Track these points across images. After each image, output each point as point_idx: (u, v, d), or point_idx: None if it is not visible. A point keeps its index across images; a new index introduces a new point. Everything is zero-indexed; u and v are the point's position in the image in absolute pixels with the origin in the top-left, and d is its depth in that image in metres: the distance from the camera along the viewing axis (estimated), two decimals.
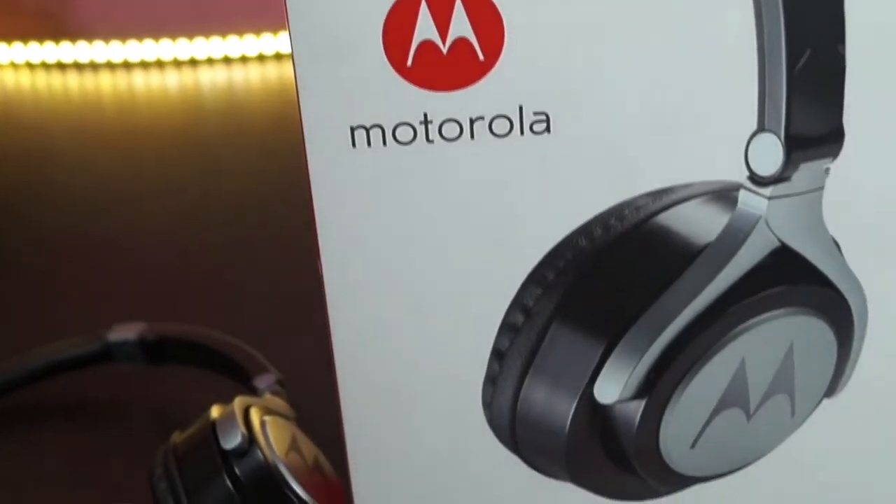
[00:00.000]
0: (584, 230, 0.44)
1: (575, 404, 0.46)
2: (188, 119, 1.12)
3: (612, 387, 0.45)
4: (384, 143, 0.42)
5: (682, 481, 0.49)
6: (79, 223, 0.91)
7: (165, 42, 1.26)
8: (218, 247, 0.86)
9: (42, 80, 1.24)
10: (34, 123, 1.15)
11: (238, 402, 0.52)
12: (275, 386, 0.60)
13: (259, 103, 1.17)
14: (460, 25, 0.41)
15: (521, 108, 0.42)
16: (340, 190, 0.43)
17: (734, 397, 0.47)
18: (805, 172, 0.44)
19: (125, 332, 0.67)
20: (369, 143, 0.42)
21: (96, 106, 1.17)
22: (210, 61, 1.25)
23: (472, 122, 0.42)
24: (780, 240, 0.45)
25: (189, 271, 0.83)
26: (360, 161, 0.43)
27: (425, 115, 0.42)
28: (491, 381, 0.47)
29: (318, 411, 0.52)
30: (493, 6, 0.41)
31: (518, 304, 0.45)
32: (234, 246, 0.86)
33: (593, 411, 0.46)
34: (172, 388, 0.68)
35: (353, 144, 0.42)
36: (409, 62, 0.41)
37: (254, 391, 0.60)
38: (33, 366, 0.67)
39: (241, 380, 0.62)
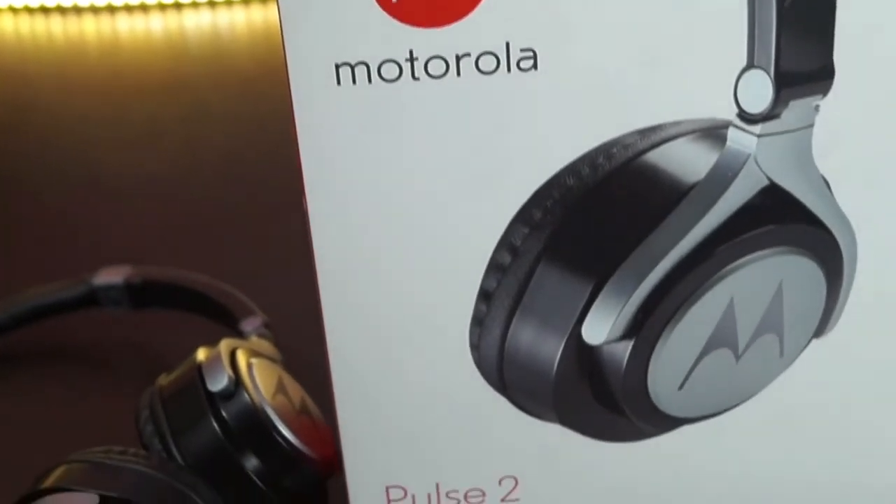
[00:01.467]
0: (572, 169, 0.44)
1: (563, 345, 0.46)
2: (173, 63, 1.11)
3: (600, 327, 0.45)
4: (369, 80, 0.42)
5: (670, 422, 0.49)
6: (63, 167, 0.91)
7: None
8: (204, 190, 0.85)
9: (25, 24, 1.23)
10: (18, 69, 1.15)
11: (224, 345, 0.51)
12: (261, 329, 0.60)
13: (244, 47, 1.16)
14: None
15: (507, 45, 0.42)
16: (325, 128, 0.43)
17: (723, 338, 0.47)
18: (795, 110, 0.43)
19: (111, 276, 0.66)
20: (354, 81, 0.42)
21: (80, 50, 1.16)
22: (195, 4, 1.24)
23: (458, 59, 0.42)
24: (769, 178, 0.45)
25: (175, 215, 0.82)
26: (345, 99, 0.42)
27: (411, 52, 0.42)
28: (478, 322, 0.47)
29: (305, 354, 0.52)
30: None
31: (505, 243, 0.45)
32: (220, 189, 0.85)
33: (581, 352, 0.46)
34: (159, 332, 0.68)
35: (338, 82, 0.42)
36: None
37: (240, 334, 0.60)
38: (19, 310, 0.67)
39: (227, 323, 0.62)
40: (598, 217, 0.45)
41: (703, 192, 0.44)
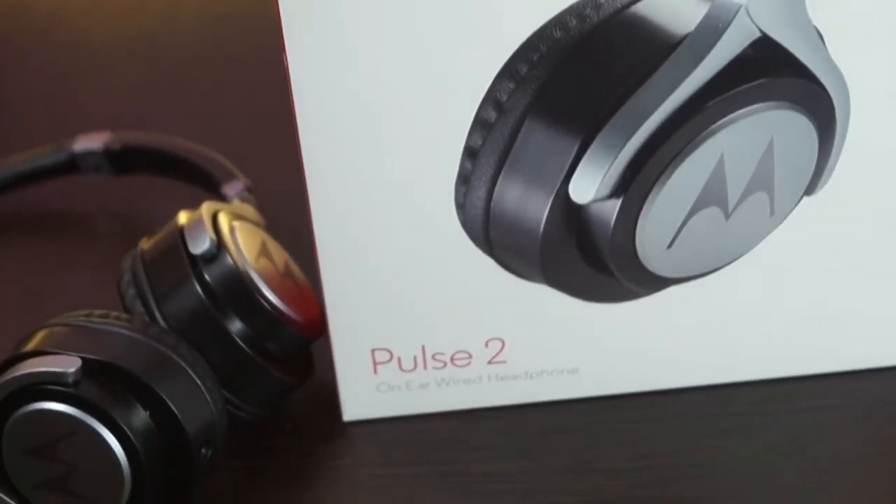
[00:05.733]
0: (559, 21, 0.43)
1: (549, 204, 0.45)
2: None
3: (587, 185, 0.45)
4: None
5: (658, 282, 0.49)
6: (41, 35, 0.89)
7: None
8: (185, 56, 0.84)
9: None
10: None
11: (206, 208, 0.50)
12: (244, 193, 0.59)
13: None
14: None
15: None
16: None
17: (712, 196, 0.46)
18: None
19: (91, 142, 0.65)
20: None
21: None
22: None
23: None
24: (760, 30, 0.44)
25: (156, 82, 0.81)
26: None
27: None
28: (463, 180, 0.46)
29: (288, 220, 0.52)
30: None
31: (490, 99, 0.44)
32: (202, 56, 0.84)
33: (568, 211, 0.46)
34: (140, 199, 0.67)
35: None
36: None
37: (223, 199, 0.59)
38: None
39: (209, 188, 0.61)
40: (586, 71, 0.44)
41: (693, 44, 0.43)
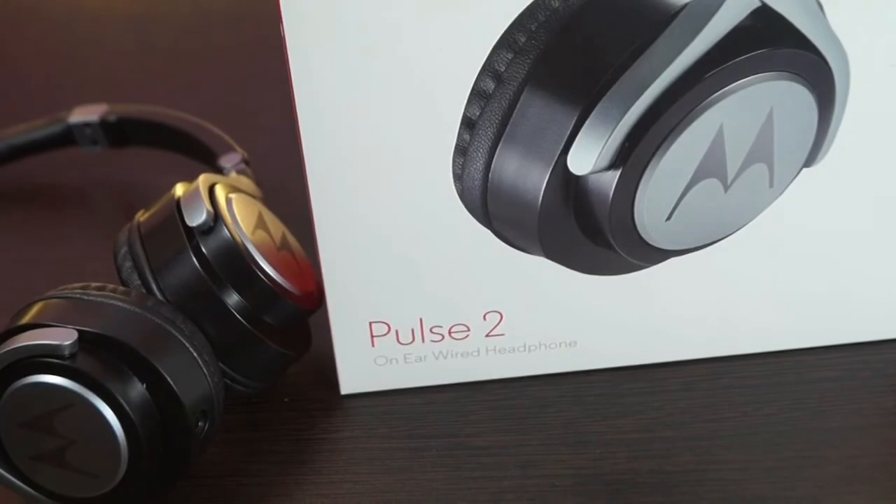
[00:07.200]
0: None
1: (548, 175, 0.45)
2: None
3: (586, 157, 0.44)
4: None
5: (657, 255, 0.49)
6: (34, 8, 0.89)
7: None
8: (183, 29, 0.84)
9: None
10: None
11: (203, 180, 0.50)
12: (240, 165, 0.59)
13: None
14: None
15: None
16: None
17: (711, 167, 0.46)
18: None
19: (87, 114, 0.65)
20: None
21: None
22: None
23: None
24: None
25: (153, 54, 0.81)
26: None
27: None
28: (461, 151, 0.46)
29: (286, 192, 0.52)
30: None
31: (488, 69, 0.44)
32: (198, 28, 0.84)
33: (567, 182, 0.45)
34: (137, 172, 0.67)
35: None
36: None
37: (219, 171, 0.59)
38: None
39: (206, 160, 0.61)
40: (585, 41, 0.44)
41: (692, 14, 0.43)
